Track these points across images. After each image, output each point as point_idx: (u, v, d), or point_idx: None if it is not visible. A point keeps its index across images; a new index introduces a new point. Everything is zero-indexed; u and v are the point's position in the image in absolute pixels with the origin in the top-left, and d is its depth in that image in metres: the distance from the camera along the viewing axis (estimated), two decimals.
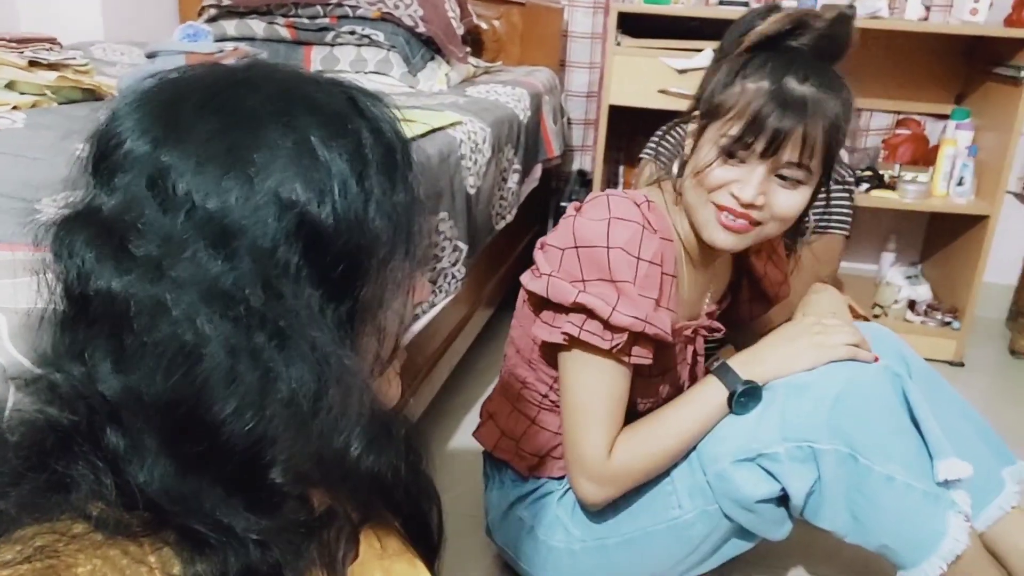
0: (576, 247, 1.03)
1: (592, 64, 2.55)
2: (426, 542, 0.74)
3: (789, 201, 1.03)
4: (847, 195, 1.68)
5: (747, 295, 1.32)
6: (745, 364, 1.12)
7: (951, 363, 2.26)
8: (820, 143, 0.98)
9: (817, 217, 1.66)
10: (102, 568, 0.42)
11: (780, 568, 1.39)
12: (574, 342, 1.05)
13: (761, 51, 1.01)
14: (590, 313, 1.02)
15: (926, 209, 2.33)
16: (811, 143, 0.97)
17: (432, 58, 2.09)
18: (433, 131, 1.47)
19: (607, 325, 1.02)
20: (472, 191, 1.55)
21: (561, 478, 1.21)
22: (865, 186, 2.24)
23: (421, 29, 2.05)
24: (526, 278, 1.12)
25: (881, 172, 2.33)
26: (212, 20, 2.13)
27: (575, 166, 2.65)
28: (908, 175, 2.26)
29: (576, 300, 1.02)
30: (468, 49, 2.31)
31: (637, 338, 1.04)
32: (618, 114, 2.23)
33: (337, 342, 0.48)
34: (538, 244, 1.12)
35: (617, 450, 1.09)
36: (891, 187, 2.28)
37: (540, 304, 1.10)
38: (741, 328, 1.37)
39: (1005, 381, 2.25)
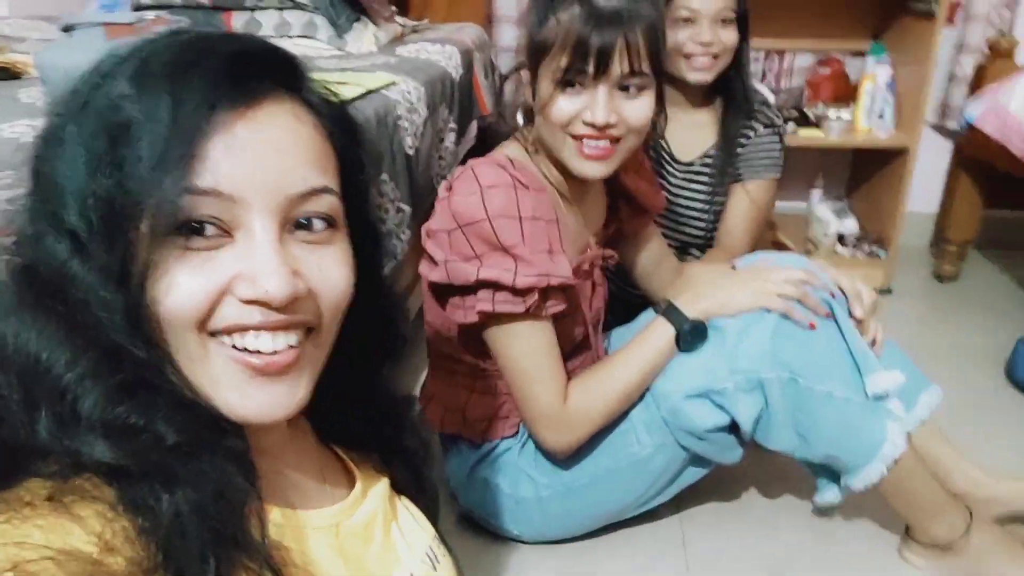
0: (460, 227, 1.06)
1: (522, 18, 2.54)
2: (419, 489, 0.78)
3: (638, 110, 1.07)
4: (777, 137, 1.71)
5: (626, 214, 1.35)
6: (689, 303, 1.16)
7: (880, 291, 2.36)
8: (644, 47, 1.02)
9: (749, 162, 1.70)
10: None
11: (735, 491, 1.46)
12: (492, 316, 1.09)
13: None
14: (496, 285, 1.05)
15: (850, 145, 2.41)
16: (637, 49, 1.02)
17: (358, 19, 2.05)
18: (368, 93, 1.46)
19: (515, 291, 1.05)
20: (411, 152, 1.55)
21: (515, 434, 1.25)
22: (792, 126, 2.30)
23: None
24: (424, 269, 1.14)
25: (806, 111, 2.40)
26: None
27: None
28: (832, 113, 2.32)
29: (478, 278, 1.05)
30: (394, 8, 2.27)
31: (546, 292, 1.08)
32: None
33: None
34: (424, 232, 1.14)
35: (573, 395, 1.13)
36: (816, 125, 2.34)
37: (445, 290, 1.13)
38: (630, 245, 1.42)
39: (931, 305, 2.36)
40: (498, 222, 1.03)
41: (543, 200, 1.08)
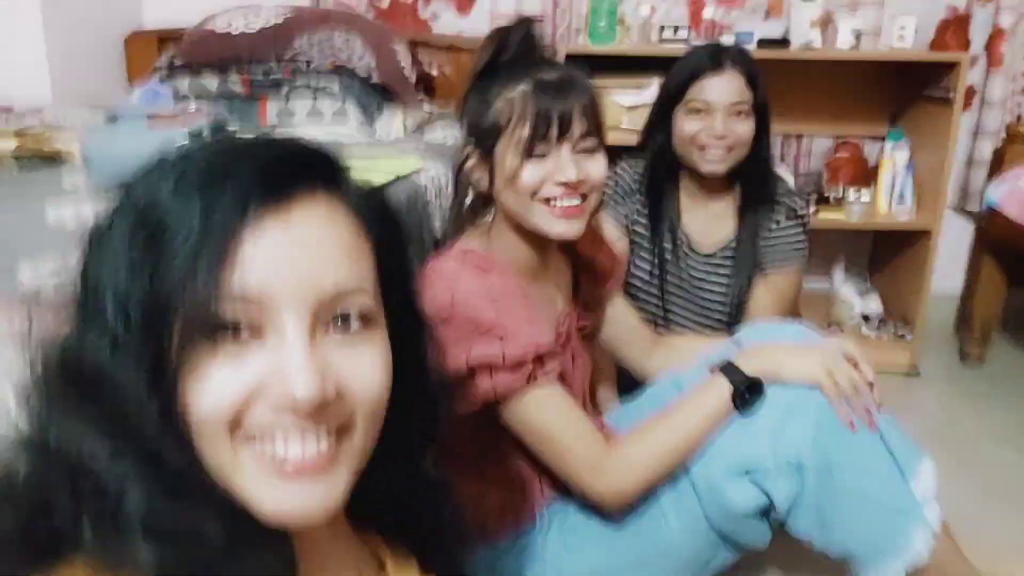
0: (439, 322, 1.06)
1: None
2: None
3: (598, 167, 1.13)
4: (801, 228, 1.70)
5: (588, 284, 1.35)
6: (744, 361, 1.16)
7: (907, 374, 2.34)
8: (591, 111, 1.10)
9: (772, 252, 1.71)
10: None
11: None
12: (501, 400, 1.08)
13: (487, 74, 1.12)
14: (489, 368, 1.05)
15: (871, 226, 2.43)
16: (587, 112, 1.09)
17: (387, 105, 2.12)
18: (397, 179, 1.50)
19: (509, 367, 1.05)
20: (439, 236, 1.58)
21: (534, 523, 1.23)
22: (813, 208, 2.32)
23: (374, 79, 2.09)
24: None
25: (827, 194, 2.42)
26: (165, 79, 2.13)
27: None
28: (852, 195, 2.35)
29: (469, 364, 1.05)
30: (421, 95, 2.35)
31: (540, 360, 1.08)
32: None
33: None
34: None
35: (622, 445, 1.13)
36: (837, 207, 2.37)
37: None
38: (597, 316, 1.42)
39: (959, 388, 2.33)
40: (471, 305, 1.05)
41: (507, 278, 1.11)
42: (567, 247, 1.26)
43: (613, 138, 2.16)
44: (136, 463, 0.48)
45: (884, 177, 2.34)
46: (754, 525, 1.16)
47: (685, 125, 1.60)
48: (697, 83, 1.59)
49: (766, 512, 1.15)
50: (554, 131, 1.08)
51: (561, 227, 1.12)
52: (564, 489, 1.21)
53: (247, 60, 2.08)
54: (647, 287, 1.72)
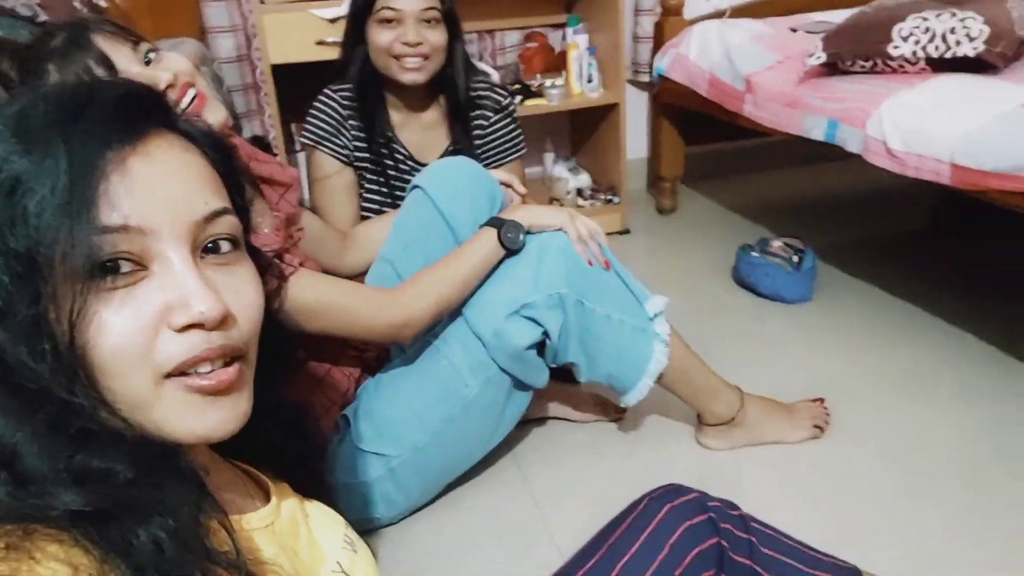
0: None
1: (234, 27, 2.48)
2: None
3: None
4: (509, 119, 1.81)
5: (275, 196, 1.38)
6: (505, 215, 1.33)
7: (620, 232, 2.66)
8: None
9: (491, 151, 1.81)
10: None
11: (557, 432, 1.62)
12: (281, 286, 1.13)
13: None
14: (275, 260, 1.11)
15: (569, 107, 2.66)
16: None
17: None
18: None
19: (278, 257, 1.13)
20: None
21: (338, 427, 1.30)
22: (519, 98, 2.50)
23: (43, 17, 1.86)
24: None
25: (526, 83, 2.61)
26: None
27: (246, 134, 2.59)
28: (548, 81, 2.56)
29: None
30: None
31: (278, 256, 1.17)
32: (278, 72, 2.23)
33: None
34: None
35: (407, 284, 1.27)
36: (538, 95, 2.56)
37: None
38: None
39: (660, 237, 2.70)
40: None
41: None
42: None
43: (318, 53, 2.17)
44: (42, 420, 0.48)
45: (572, 61, 2.57)
46: (535, 362, 1.35)
47: (378, 36, 1.62)
48: None
49: (542, 350, 1.34)
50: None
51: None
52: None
53: None
54: (384, 209, 1.76)
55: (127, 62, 1.03)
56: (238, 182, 0.64)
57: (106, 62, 1.01)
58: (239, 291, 0.58)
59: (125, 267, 0.51)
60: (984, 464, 1.42)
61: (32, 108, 0.52)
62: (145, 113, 0.55)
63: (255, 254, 0.66)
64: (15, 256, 0.49)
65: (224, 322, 0.55)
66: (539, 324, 1.30)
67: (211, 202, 0.57)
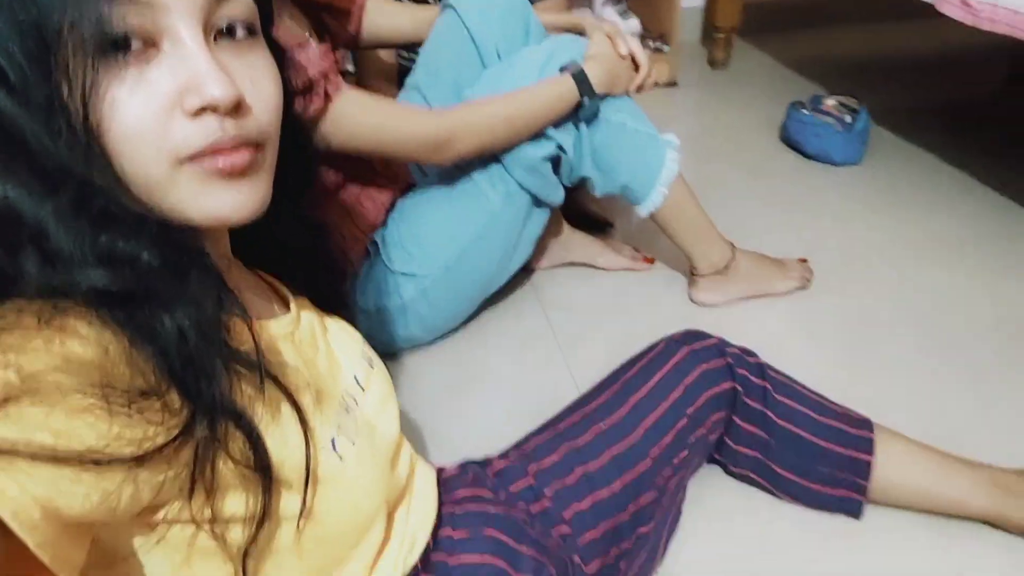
0: None
1: None
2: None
3: None
4: None
5: (332, 23, 1.37)
6: (595, 75, 1.28)
7: (668, 84, 2.56)
8: None
9: None
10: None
11: (588, 278, 1.63)
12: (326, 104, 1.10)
13: None
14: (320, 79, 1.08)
15: None
16: None
17: None
18: None
19: (324, 76, 1.08)
20: None
21: (367, 251, 1.32)
22: None
23: None
24: None
25: None
26: None
27: None
28: None
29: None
30: None
31: (324, 75, 1.10)
32: None
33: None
34: None
35: (458, 107, 1.23)
36: None
37: None
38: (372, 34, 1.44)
39: (710, 91, 2.59)
40: None
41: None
42: None
43: None
44: (65, 198, 0.48)
45: None
46: (551, 177, 1.35)
47: None
48: None
49: (557, 166, 1.35)
50: None
51: None
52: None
53: None
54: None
55: None
56: None
57: None
58: (254, 81, 0.56)
59: (135, 44, 0.50)
60: (1015, 334, 1.40)
61: None
62: None
63: (278, 52, 0.64)
64: (24, 28, 0.47)
65: (238, 109, 0.53)
66: (552, 139, 1.29)
67: None
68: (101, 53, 0.49)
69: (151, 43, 0.51)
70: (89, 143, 0.49)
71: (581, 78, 1.26)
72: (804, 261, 1.58)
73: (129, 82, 0.50)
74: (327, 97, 1.07)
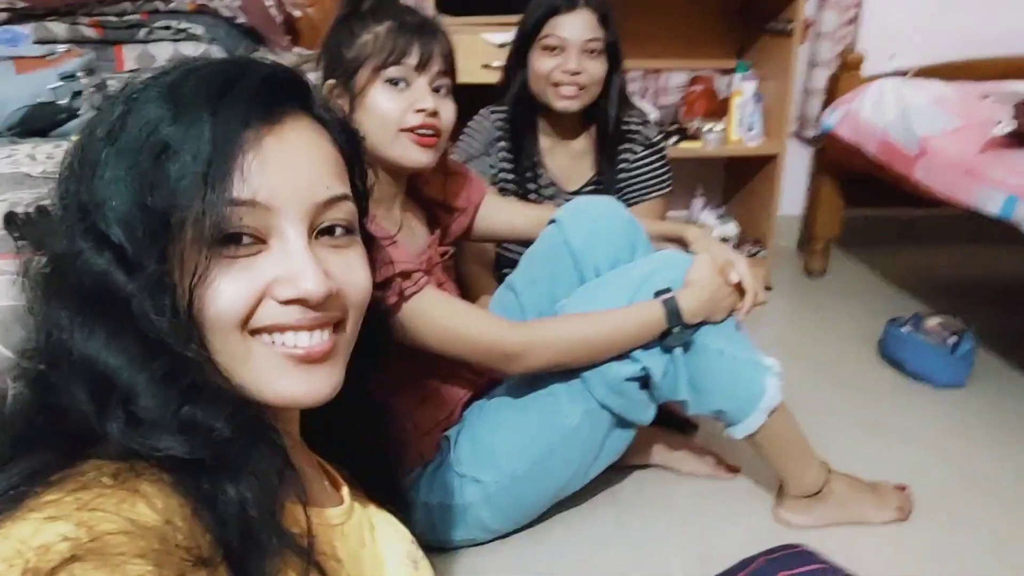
0: None
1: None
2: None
3: (448, 109, 1.21)
4: (656, 156, 1.80)
5: (446, 218, 1.42)
6: (689, 303, 1.24)
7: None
8: (448, 56, 1.20)
9: (634, 185, 1.80)
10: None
11: (658, 481, 1.57)
12: (401, 302, 1.14)
13: (352, 14, 1.19)
14: (398, 278, 1.12)
15: (725, 154, 2.60)
16: (444, 55, 1.18)
17: (256, 49, 2.06)
18: None
19: (404, 276, 1.12)
20: None
21: (438, 450, 1.30)
22: (675, 139, 2.47)
23: (241, 19, 2.02)
24: None
25: (684, 126, 2.58)
26: (4, 24, 1.97)
27: None
28: (707, 126, 2.51)
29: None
30: (289, 37, 2.29)
31: (405, 275, 1.14)
32: None
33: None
34: None
35: (536, 322, 1.24)
36: (694, 138, 2.52)
37: None
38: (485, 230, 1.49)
39: (804, 299, 2.57)
40: None
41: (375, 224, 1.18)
42: (413, 189, 1.30)
43: (483, 76, 2.22)
44: (156, 368, 0.51)
45: (734, 108, 2.51)
46: (638, 397, 1.30)
47: (540, 63, 1.65)
48: (551, 21, 1.64)
49: (647, 384, 1.30)
50: (414, 60, 1.14)
51: (416, 155, 1.16)
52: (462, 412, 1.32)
53: (98, 3, 1.95)
54: None
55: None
56: (361, 168, 0.67)
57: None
58: (348, 275, 0.60)
59: (246, 240, 0.55)
60: None
61: (184, 80, 0.56)
62: (286, 95, 0.59)
63: (367, 239, 0.68)
64: (152, 214, 0.52)
65: (326, 302, 0.57)
66: (638, 361, 1.26)
67: (333, 187, 0.59)
68: (215, 245, 0.53)
69: (261, 240, 0.56)
70: (190, 323, 0.53)
71: (672, 307, 1.23)
72: (903, 489, 1.47)
73: (235, 271, 0.54)
74: (402, 295, 1.12)
